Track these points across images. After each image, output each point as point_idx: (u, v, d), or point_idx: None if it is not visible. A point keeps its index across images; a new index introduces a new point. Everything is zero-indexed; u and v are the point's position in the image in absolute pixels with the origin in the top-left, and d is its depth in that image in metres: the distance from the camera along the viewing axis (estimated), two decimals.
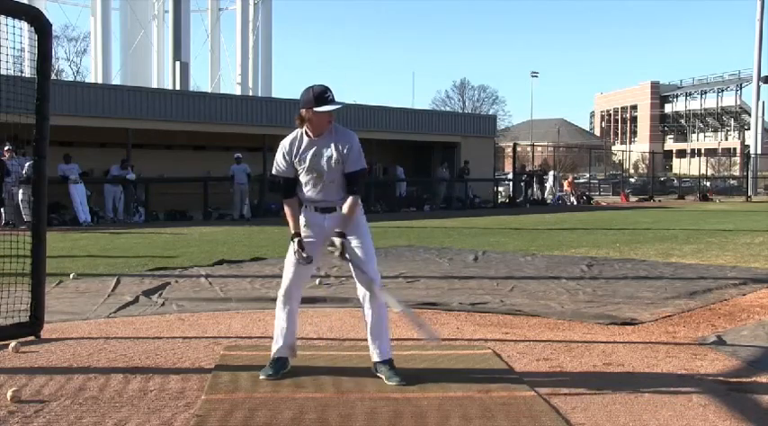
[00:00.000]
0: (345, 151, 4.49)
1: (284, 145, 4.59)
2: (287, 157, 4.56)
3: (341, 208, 4.56)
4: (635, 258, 11.39)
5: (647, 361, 5.10)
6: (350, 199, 4.52)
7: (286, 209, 4.64)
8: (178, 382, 4.49)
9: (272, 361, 4.63)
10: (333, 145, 4.51)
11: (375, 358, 4.58)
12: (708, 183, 46.41)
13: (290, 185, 4.62)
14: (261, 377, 4.53)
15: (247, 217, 21.63)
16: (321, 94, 4.41)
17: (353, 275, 4.62)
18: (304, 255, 4.51)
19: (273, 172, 4.64)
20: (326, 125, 4.50)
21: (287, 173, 4.59)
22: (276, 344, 4.66)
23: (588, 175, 49.41)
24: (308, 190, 4.61)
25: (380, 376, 4.50)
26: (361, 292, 4.58)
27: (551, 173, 37.60)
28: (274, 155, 4.66)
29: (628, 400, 4.19)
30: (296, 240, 4.55)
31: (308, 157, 4.51)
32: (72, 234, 15.79)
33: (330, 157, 4.50)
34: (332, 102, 4.44)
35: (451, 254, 11.85)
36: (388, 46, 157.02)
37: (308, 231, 4.63)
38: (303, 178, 4.59)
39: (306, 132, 4.55)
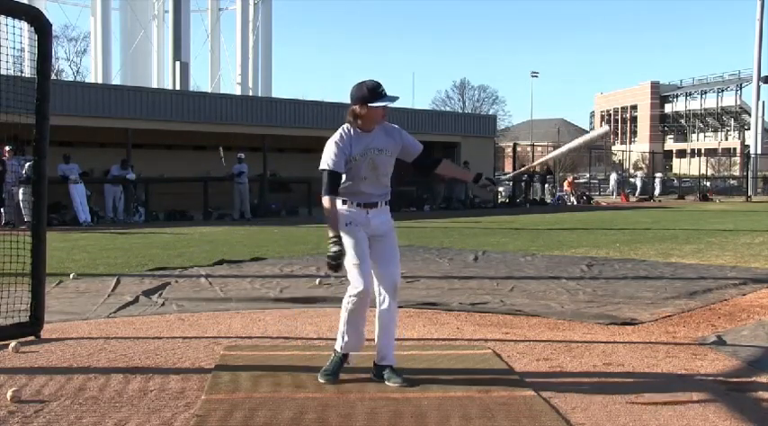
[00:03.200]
0: (401, 137, 4.48)
1: (336, 140, 4.38)
2: (345, 151, 4.36)
3: (382, 204, 4.49)
4: (635, 258, 11.38)
5: (647, 361, 5.10)
6: (444, 161, 4.72)
7: (328, 207, 4.34)
8: (178, 382, 4.49)
9: (337, 363, 4.53)
10: (385, 137, 4.45)
11: (378, 360, 4.53)
12: (708, 183, 46.42)
13: (337, 181, 4.38)
14: (321, 381, 4.43)
15: (247, 217, 21.64)
16: (375, 89, 4.32)
17: (377, 275, 4.49)
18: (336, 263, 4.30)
19: (325, 166, 4.35)
20: (380, 119, 4.41)
21: (338, 167, 4.35)
22: (345, 342, 4.50)
23: (588, 175, 49.42)
24: (356, 184, 4.43)
25: (389, 381, 4.43)
26: (379, 291, 4.50)
27: (639, 173, 38.38)
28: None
29: (628, 400, 4.19)
30: (337, 245, 4.28)
31: (362, 150, 4.39)
32: (72, 234, 15.79)
33: (384, 149, 4.42)
34: (385, 96, 4.35)
35: (451, 254, 11.84)
36: (389, 46, 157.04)
37: (354, 227, 4.41)
38: (353, 172, 4.41)
39: (351, 128, 4.42)
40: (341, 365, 4.55)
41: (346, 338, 4.51)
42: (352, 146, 4.39)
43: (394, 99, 4.40)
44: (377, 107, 4.33)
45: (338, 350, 4.56)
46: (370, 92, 4.31)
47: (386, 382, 4.45)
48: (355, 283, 4.39)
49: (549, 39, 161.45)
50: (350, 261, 4.39)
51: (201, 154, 25.79)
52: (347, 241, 4.40)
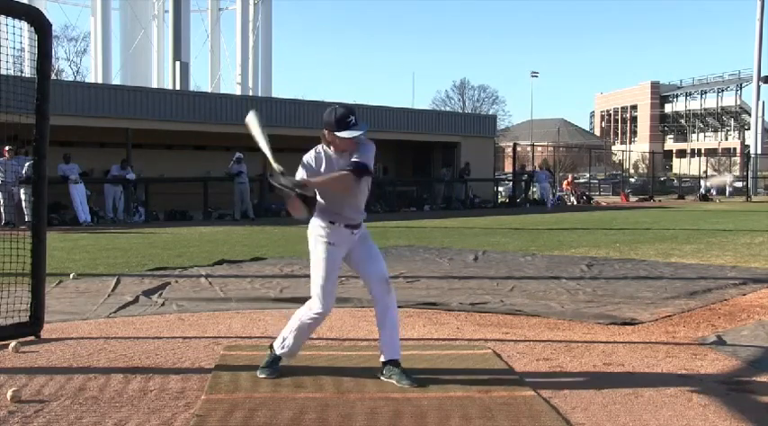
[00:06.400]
0: (359, 149, 4.41)
1: (309, 156, 4.48)
2: (313, 167, 4.45)
3: (362, 223, 4.56)
4: (635, 258, 11.38)
5: (647, 361, 5.10)
6: (339, 172, 4.33)
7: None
8: (178, 382, 4.50)
9: (272, 360, 4.64)
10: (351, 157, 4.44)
11: (382, 357, 4.57)
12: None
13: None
14: (260, 376, 4.54)
15: (251, 217, 21.59)
16: (343, 119, 4.31)
17: (364, 276, 4.60)
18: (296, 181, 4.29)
19: (297, 177, 4.43)
20: (348, 148, 4.39)
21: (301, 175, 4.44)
22: (286, 348, 4.62)
23: (588, 175, 49.43)
24: (336, 204, 4.47)
25: (390, 378, 4.44)
26: (374, 291, 4.56)
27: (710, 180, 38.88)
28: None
29: (628, 400, 4.19)
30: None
31: (330, 170, 4.42)
32: (72, 234, 15.79)
33: None
34: (354, 126, 4.32)
35: (451, 254, 11.84)
36: (388, 46, 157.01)
37: (335, 248, 4.48)
38: (330, 192, 4.46)
39: (324, 148, 4.50)
40: (278, 361, 4.64)
41: (290, 343, 4.63)
42: (325, 162, 4.44)
43: (362, 130, 4.36)
44: (344, 138, 4.34)
45: (276, 350, 4.65)
46: (338, 122, 4.31)
47: (382, 377, 4.46)
48: (317, 303, 4.51)
49: (549, 39, 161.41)
50: (318, 277, 4.48)
51: (201, 154, 25.77)
52: (323, 257, 4.47)
